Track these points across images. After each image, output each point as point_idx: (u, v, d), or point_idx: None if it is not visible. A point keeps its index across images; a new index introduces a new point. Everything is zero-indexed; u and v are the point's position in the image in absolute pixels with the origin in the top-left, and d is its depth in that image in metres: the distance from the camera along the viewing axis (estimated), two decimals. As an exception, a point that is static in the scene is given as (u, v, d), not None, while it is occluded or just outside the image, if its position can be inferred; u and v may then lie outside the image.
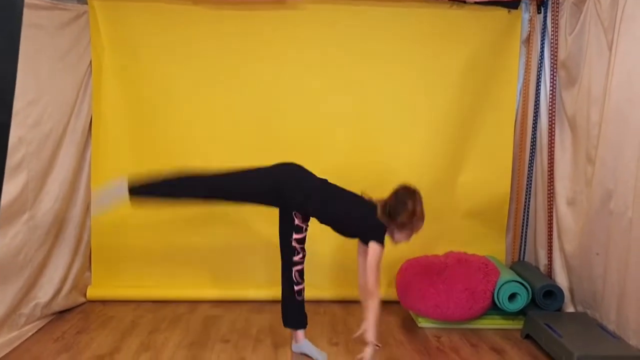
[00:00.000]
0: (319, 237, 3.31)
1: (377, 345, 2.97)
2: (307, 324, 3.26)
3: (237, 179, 3.10)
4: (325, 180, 3.13)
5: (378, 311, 2.94)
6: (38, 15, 3.37)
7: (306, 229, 3.12)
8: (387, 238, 3.04)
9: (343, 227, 3.12)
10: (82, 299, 3.99)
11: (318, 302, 3.89)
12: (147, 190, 3.10)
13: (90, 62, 3.92)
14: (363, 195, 3.10)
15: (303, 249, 3.14)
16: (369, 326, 2.93)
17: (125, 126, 4.02)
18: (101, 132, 3.99)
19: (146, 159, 4.03)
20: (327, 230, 3.13)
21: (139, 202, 3.12)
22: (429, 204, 4.12)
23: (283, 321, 3.26)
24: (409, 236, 3.10)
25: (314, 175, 3.12)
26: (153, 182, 3.09)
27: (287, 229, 3.12)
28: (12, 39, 1.51)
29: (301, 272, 3.16)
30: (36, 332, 3.45)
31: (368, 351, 2.93)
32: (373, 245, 2.97)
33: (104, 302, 4.02)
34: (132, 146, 4.04)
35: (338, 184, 3.14)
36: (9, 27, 1.53)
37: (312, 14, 3.97)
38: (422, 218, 3.07)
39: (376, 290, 2.95)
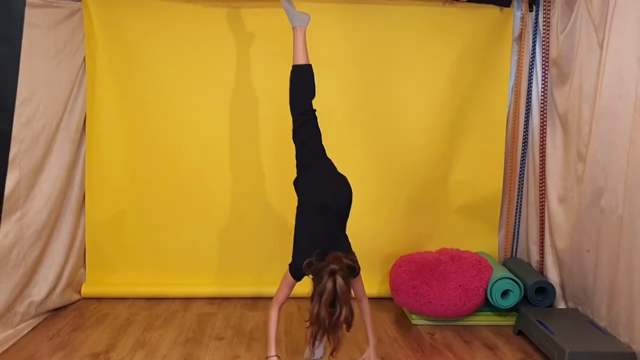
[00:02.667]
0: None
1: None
2: None
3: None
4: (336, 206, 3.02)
5: (268, 326, 2.90)
6: (32, 14, 3.34)
7: None
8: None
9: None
10: (77, 297, 4.00)
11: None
12: None
13: (84, 59, 3.91)
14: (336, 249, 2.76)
15: None
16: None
17: (119, 122, 4.02)
18: (95, 128, 3.99)
19: (141, 156, 4.06)
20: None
21: None
22: (422, 200, 4.20)
23: None
24: None
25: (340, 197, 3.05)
26: None
27: None
28: (13, 49, 1.53)
29: None
30: (31, 330, 3.45)
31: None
32: (288, 269, 2.90)
33: (98, 299, 4.02)
34: (126, 143, 4.05)
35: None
36: (9, 37, 1.56)
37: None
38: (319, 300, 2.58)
39: (272, 307, 2.90)
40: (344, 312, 2.56)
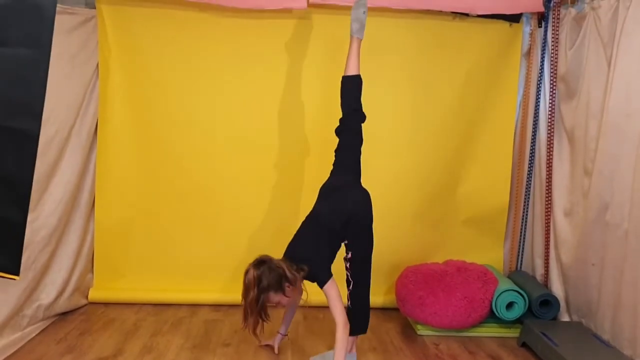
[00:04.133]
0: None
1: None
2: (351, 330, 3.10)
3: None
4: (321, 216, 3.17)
5: None
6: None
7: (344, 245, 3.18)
8: None
9: None
10: (84, 301, 4.02)
11: (317, 307, 3.91)
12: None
13: (97, 65, 3.94)
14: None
15: (347, 253, 3.16)
16: None
17: (131, 129, 4.05)
18: (107, 134, 4.02)
19: (152, 162, 4.09)
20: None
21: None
22: (429, 212, 4.23)
23: None
24: None
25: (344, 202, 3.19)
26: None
27: None
28: (43, 51, 1.57)
29: (347, 277, 3.18)
30: (39, 333, 3.47)
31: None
32: None
33: (105, 304, 4.04)
34: (137, 149, 4.07)
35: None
36: (40, 39, 1.60)
37: (316, 24, 4.02)
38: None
39: None
40: (248, 297, 2.90)
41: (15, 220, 2.77)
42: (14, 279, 2.84)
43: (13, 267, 2.81)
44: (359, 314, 3.21)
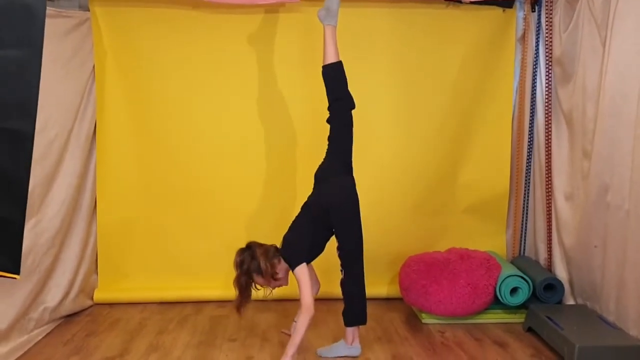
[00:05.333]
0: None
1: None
2: (345, 322, 3.28)
3: None
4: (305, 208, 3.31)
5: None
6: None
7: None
8: None
9: None
10: (89, 302, 4.04)
11: (321, 300, 3.90)
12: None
13: (94, 67, 3.96)
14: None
15: (337, 242, 3.22)
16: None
17: (129, 130, 4.06)
18: (105, 136, 4.04)
19: (151, 162, 4.10)
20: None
21: None
22: (430, 201, 4.22)
23: None
24: None
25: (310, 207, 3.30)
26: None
27: None
28: (35, 51, 1.58)
29: (340, 266, 3.22)
30: (45, 335, 3.50)
31: None
32: None
33: (110, 305, 4.06)
34: (136, 149, 4.09)
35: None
36: (31, 39, 1.61)
37: (309, 16, 4.00)
38: None
39: None
40: (235, 278, 3.15)
41: (14, 220, 2.78)
42: (15, 278, 2.85)
43: (13, 267, 2.83)
44: (353, 304, 3.24)
